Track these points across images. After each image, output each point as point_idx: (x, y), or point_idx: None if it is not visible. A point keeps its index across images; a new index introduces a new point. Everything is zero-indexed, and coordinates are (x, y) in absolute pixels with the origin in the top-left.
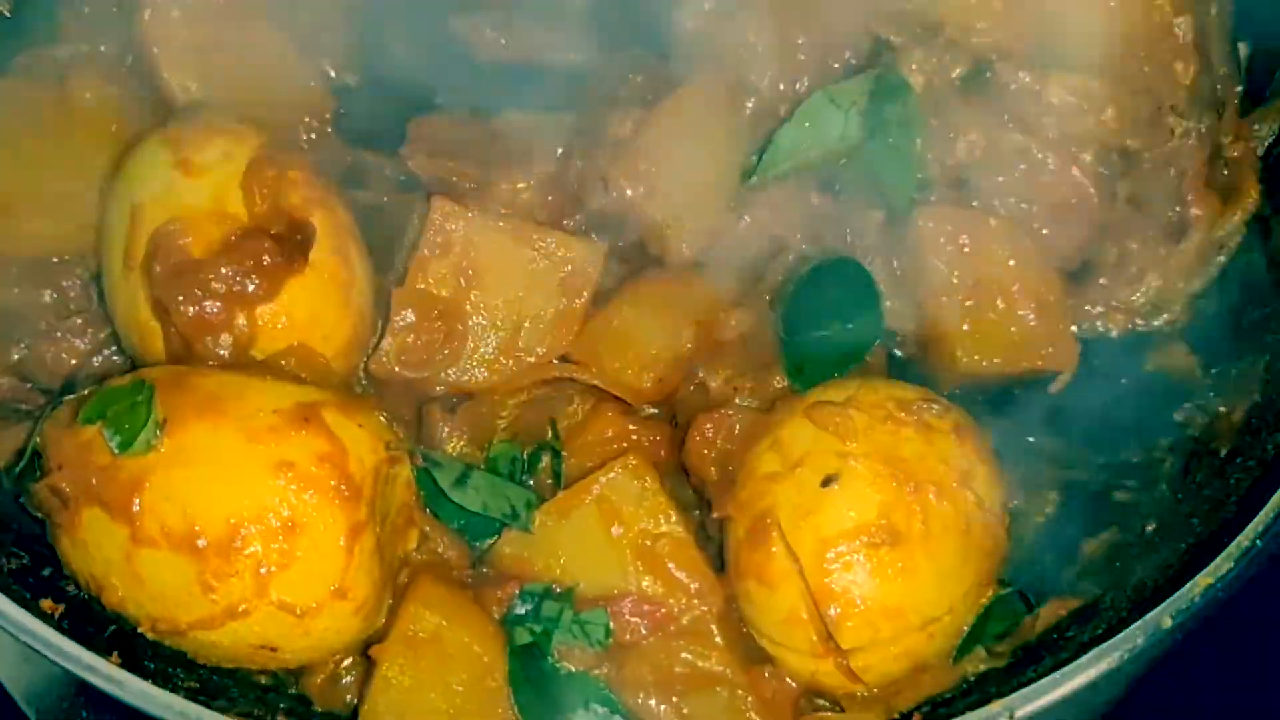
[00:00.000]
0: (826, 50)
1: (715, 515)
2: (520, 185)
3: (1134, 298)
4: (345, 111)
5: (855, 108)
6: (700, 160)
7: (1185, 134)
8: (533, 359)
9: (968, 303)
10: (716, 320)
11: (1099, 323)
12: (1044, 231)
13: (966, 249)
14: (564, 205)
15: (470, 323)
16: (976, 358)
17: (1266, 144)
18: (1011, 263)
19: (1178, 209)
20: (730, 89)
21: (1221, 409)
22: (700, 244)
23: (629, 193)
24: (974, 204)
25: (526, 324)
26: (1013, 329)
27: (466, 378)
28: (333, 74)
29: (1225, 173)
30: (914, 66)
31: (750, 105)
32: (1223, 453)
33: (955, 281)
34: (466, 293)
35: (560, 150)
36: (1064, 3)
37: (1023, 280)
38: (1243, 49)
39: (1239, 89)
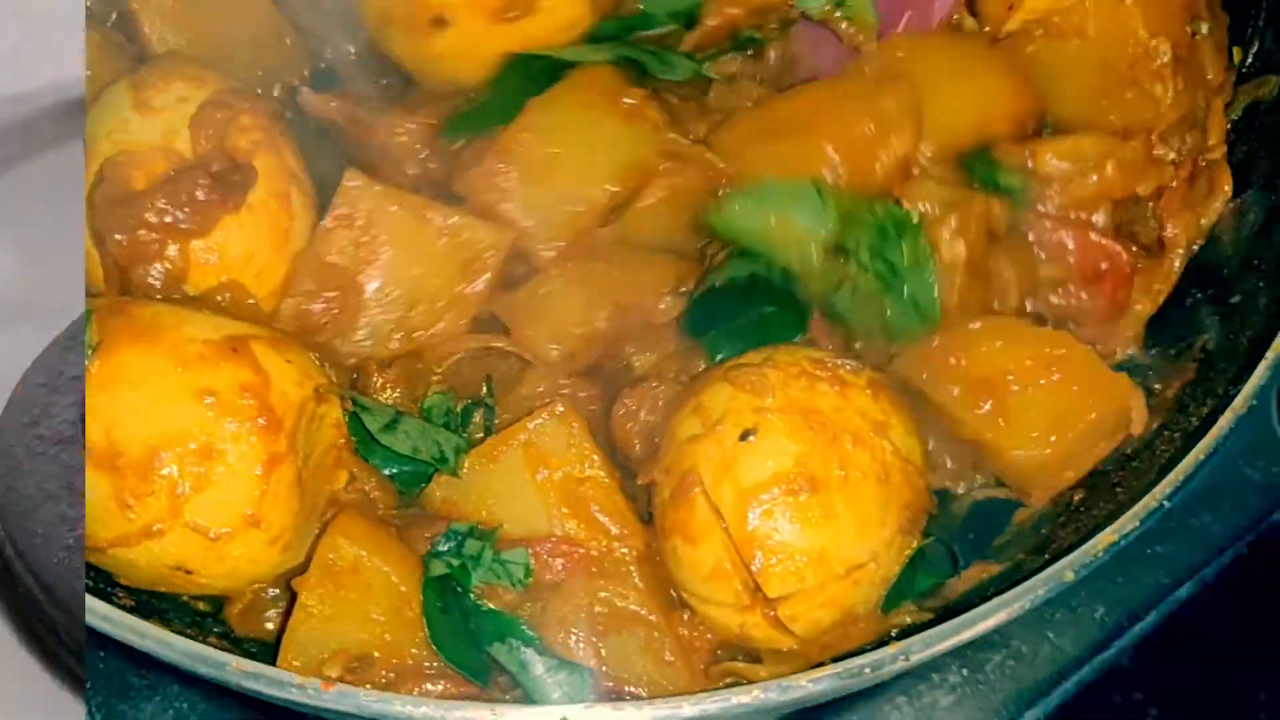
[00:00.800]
0: None
1: (640, 481)
2: (399, 129)
3: None
4: (324, 72)
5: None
6: (567, 162)
7: (1168, 158)
8: (425, 337)
9: (986, 406)
10: (646, 303)
11: None
12: (1083, 295)
13: (955, 361)
14: (436, 169)
15: (365, 296)
16: (1030, 447)
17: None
18: (1000, 345)
19: (1154, 227)
20: (609, 88)
21: (1157, 387)
22: (560, 248)
23: (483, 197)
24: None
25: (422, 303)
26: (1046, 401)
27: (358, 349)
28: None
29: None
30: (952, 233)
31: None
32: (1153, 426)
33: (961, 394)
34: (364, 266)
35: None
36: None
37: (1032, 355)
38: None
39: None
